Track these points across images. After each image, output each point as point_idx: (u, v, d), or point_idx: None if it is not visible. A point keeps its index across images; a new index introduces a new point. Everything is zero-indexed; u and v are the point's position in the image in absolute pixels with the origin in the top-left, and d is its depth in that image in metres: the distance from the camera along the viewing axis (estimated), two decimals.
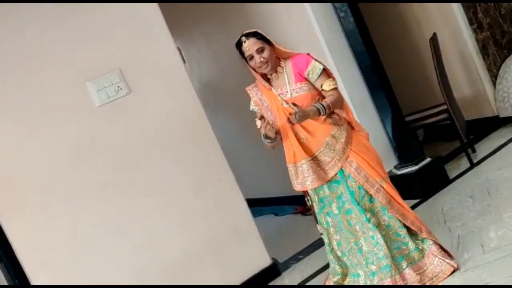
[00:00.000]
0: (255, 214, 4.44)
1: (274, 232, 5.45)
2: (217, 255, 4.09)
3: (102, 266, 3.74)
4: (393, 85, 5.12)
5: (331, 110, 3.29)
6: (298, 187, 3.46)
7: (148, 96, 4.00)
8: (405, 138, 5.06)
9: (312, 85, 3.37)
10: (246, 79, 3.54)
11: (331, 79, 3.37)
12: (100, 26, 3.91)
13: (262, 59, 3.30)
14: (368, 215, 3.36)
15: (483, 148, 5.43)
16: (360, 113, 5.11)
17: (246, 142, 5.97)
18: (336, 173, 3.38)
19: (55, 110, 3.72)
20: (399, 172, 5.05)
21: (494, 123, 5.76)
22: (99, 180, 3.79)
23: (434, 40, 5.25)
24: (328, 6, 5.04)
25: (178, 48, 4.37)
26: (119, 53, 3.94)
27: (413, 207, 4.76)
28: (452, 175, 5.06)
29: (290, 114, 3.15)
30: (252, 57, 3.31)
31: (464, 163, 5.20)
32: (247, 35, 3.33)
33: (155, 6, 4.07)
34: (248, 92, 3.51)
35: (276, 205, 6.16)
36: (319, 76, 3.33)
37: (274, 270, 4.30)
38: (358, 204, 3.36)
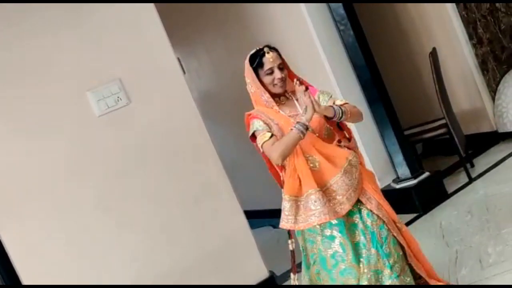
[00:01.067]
0: (252, 226, 4.42)
1: (271, 244, 5.44)
2: (214, 267, 4.07)
3: (97, 276, 3.72)
4: (392, 99, 5.13)
5: (348, 117, 2.92)
6: (295, 225, 2.89)
7: (148, 106, 3.99)
8: (404, 152, 5.05)
9: (321, 115, 2.95)
10: (245, 91, 3.40)
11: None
12: (101, 36, 3.91)
13: (282, 75, 2.96)
14: (391, 261, 2.93)
15: (481, 163, 5.44)
16: (359, 126, 5.11)
17: (244, 154, 5.96)
18: (353, 212, 2.94)
19: (55, 119, 3.71)
20: (397, 186, 5.05)
21: (493, 138, 5.77)
22: (97, 189, 3.78)
23: (433, 54, 5.26)
24: (329, 19, 5.05)
25: (178, 59, 4.38)
26: (119, 63, 3.94)
27: (411, 221, 4.77)
28: (450, 189, 5.06)
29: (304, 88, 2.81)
30: (271, 72, 2.95)
31: (463, 178, 5.20)
32: (270, 47, 3.04)
33: (156, 17, 4.08)
34: (253, 113, 3.03)
35: (274, 217, 6.13)
36: (329, 99, 3.05)
37: (271, 282, 4.29)
38: (381, 246, 2.92)
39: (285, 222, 2.90)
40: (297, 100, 3.00)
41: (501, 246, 3.71)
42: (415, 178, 4.99)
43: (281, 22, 5.36)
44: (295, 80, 2.93)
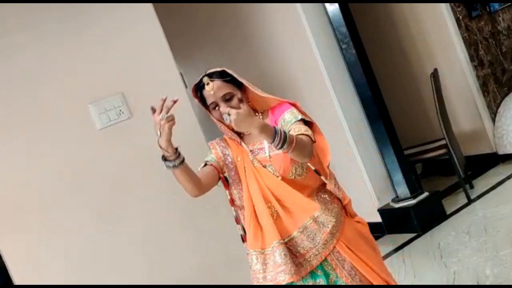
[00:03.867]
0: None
1: None
2: (211, 281, 4.06)
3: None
4: (393, 118, 5.15)
5: (292, 146, 2.24)
6: (264, 282, 2.45)
7: (149, 120, 3.93)
8: (404, 171, 5.06)
9: None
10: None
11: (307, 128, 2.46)
12: (104, 50, 3.93)
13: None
14: None
15: (480, 184, 5.44)
16: (359, 144, 5.13)
17: None
18: (317, 274, 2.45)
19: (56, 131, 3.72)
20: (396, 206, 5.06)
21: (492, 160, 5.78)
22: (96, 202, 3.78)
23: (435, 75, 5.29)
24: (331, 38, 5.08)
25: (181, 74, 4.40)
26: (122, 77, 3.96)
27: (409, 241, 4.77)
28: (449, 210, 5.07)
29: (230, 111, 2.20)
30: (216, 106, 2.48)
31: (462, 199, 5.21)
32: (211, 75, 2.48)
33: (160, 32, 4.10)
34: (210, 145, 2.66)
35: None
36: (292, 124, 2.46)
37: None
38: None
39: (255, 281, 2.49)
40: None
41: (498, 268, 3.71)
42: (414, 198, 5.00)
43: (283, 40, 5.39)
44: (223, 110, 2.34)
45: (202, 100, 2.56)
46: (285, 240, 2.43)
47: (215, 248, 4.10)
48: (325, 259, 2.46)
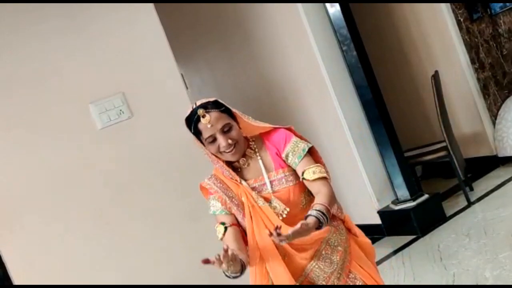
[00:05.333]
0: None
1: None
2: (210, 283, 4.06)
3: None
4: (393, 120, 5.15)
5: (330, 215, 2.19)
6: None
7: (149, 121, 4.01)
8: (404, 173, 5.06)
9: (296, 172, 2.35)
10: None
11: (318, 164, 2.33)
12: (105, 50, 3.93)
13: (230, 142, 2.25)
14: None
15: (480, 187, 5.44)
16: (359, 147, 5.13)
17: None
18: None
19: (56, 131, 3.73)
20: (396, 208, 5.06)
21: (492, 163, 5.77)
22: (96, 202, 3.78)
23: (435, 77, 5.28)
24: (332, 40, 5.08)
25: (182, 75, 4.40)
26: (123, 77, 3.96)
27: (409, 243, 4.76)
28: (449, 212, 5.06)
29: (276, 230, 1.98)
30: (214, 140, 2.28)
31: (462, 201, 5.20)
32: (206, 107, 2.27)
33: (161, 33, 4.10)
34: (206, 187, 2.42)
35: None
36: (301, 159, 2.31)
37: None
38: None
39: None
40: (261, 158, 2.36)
41: (498, 270, 3.71)
42: (414, 200, 5.00)
43: (284, 41, 5.39)
44: (269, 232, 2.03)
45: (195, 133, 2.36)
46: (303, 278, 2.30)
47: (215, 248, 4.10)
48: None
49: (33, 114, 3.68)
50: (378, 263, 4.46)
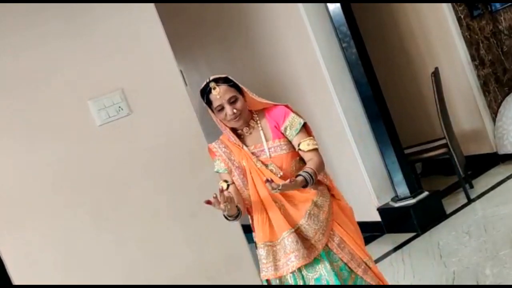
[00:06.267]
0: (250, 240, 4.41)
1: None
2: (210, 281, 4.06)
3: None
4: (393, 117, 5.14)
5: (318, 177, 2.70)
6: (276, 272, 2.73)
7: (149, 117, 3.99)
8: (404, 170, 5.05)
9: (290, 143, 2.81)
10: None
11: (311, 137, 2.81)
12: (104, 46, 3.92)
13: (235, 111, 2.72)
14: None
15: (481, 184, 5.43)
16: (359, 144, 5.12)
17: None
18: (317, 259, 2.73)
19: (55, 128, 3.71)
20: (396, 205, 5.05)
21: (492, 160, 5.77)
22: (95, 199, 3.77)
23: (436, 74, 5.27)
24: (332, 37, 5.07)
25: (181, 71, 4.39)
26: (121, 74, 3.95)
27: (409, 241, 4.76)
28: (449, 210, 5.06)
29: (268, 181, 2.47)
30: (222, 108, 2.73)
31: (462, 199, 5.20)
32: (217, 81, 2.75)
33: (160, 29, 4.09)
34: (213, 149, 2.90)
35: None
36: (298, 132, 2.79)
37: None
38: None
39: (265, 272, 2.76)
40: (262, 128, 2.82)
41: (498, 268, 3.70)
42: (414, 197, 4.99)
43: (284, 38, 5.38)
44: (264, 180, 2.55)
45: (208, 104, 2.80)
46: (295, 228, 2.70)
47: (214, 247, 4.10)
48: None
49: (31, 111, 3.67)
50: (378, 260, 4.46)
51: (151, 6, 4.08)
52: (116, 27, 3.96)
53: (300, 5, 5.03)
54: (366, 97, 5.06)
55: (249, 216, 2.87)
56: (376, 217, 5.16)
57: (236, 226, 4.17)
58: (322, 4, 5.05)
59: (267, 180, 2.47)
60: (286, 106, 2.86)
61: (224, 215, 2.63)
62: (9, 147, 3.59)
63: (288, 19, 5.23)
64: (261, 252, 2.76)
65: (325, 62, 5.06)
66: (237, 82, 2.79)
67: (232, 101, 2.73)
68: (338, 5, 4.93)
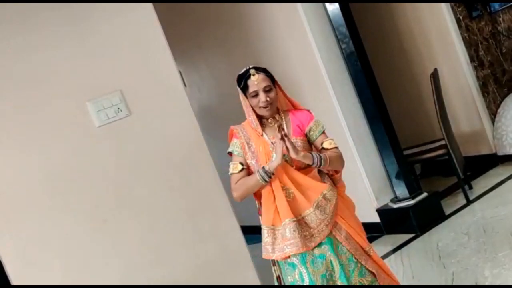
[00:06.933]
0: (249, 241, 4.41)
1: (267, 260, 5.41)
2: (209, 281, 4.05)
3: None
4: (392, 118, 5.14)
5: (327, 165, 2.89)
6: (273, 255, 2.94)
7: (148, 118, 3.99)
8: (403, 171, 5.05)
9: (307, 143, 3.03)
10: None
11: (332, 138, 3.06)
12: (103, 47, 3.91)
13: (268, 99, 2.92)
14: None
15: (480, 185, 5.43)
16: (358, 145, 5.12)
17: None
18: (323, 242, 2.91)
19: (54, 129, 3.71)
20: (395, 206, 5.05)
21: (491, 161, 5.77)
22: (94, 200, 3.77)
23: (435, 75, 5.27)
24: (331, 37, 5.07)
25: (180, 72, 4.38)
26: (121, 75, 3.94)
27: (408, 242, 4.76)
28: (448, 211, 5.06)
29: (282, 130, 2.81)
30: (256, 94, 2.94)
31: (461, 200, 5.20)
32: (257, 69, 2.98)
33: (159, 30, 4.08)
34: (234, 131, 3.09)
35: None
36: (321, 133, 3.04)
37: None
38: (347, 280, 2.90)
39: (265, 252, 2.98)
40: (285, 123, 3.03)
41: (497, 269, 3.70)
42: (413, 198, 4.99)
43: (283, 39, 5.38)
44: (273, 121, 2.99)
45: (242, 89, 3.00)
46: (300, 217, 2.90)
47: (213, 247, 4.09)
48: None
49: (30, 112, 3.66)
50: None
51: (150, 7, 4.08)
52: (115, 29, 3.96)
53: (299, 6, 5.03)
54: (365, 98, 5.06)
55: (257, 202, 3.09)
56: (375, 218, 5.16)
57: (235, 227, 4.17)
58: (321, 5, 5.05)
59: (282, 129, 2.83)
60: (308, 111, 3.12)
61: (265, 172, 2.86)
62: (8, 148, 3.59)
63: (287, 20, 5.23)
64: (264, 233, 2.97)
65: (324, 63, 5.06)
66: (274, 77, 3.01)
67: (267, 90, 2.93)
68: (337, 6, 4.93)
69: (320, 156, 2.86)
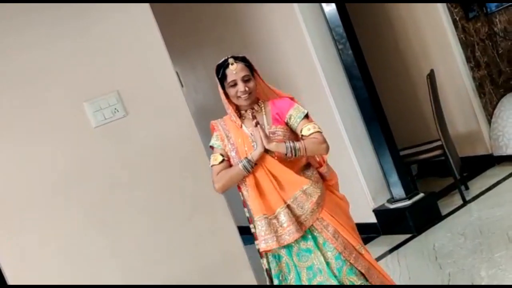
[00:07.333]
0: (246, 242, 4.41)
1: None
2: (207, 282, 4.05)
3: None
4: (389, 119, 5.15)
5: (302, 154, 2.84)
6: (278, 243, 2.85)
7: (145, 119, 3.99)
8: (399, 172, 5.06)
9: (289, 132, 2.95)
10: None
11: (312, 123, 2.96)
12: (100, 48, 3.91)
13: (246, 89, 2.88)
14: None
15: (476, 186, 5.44)
16: (355, 145, 5.13)
17: None
18: (308, 238, 2.88)
19: (51, 129, 3.70)
20: (391, 206, 5.05)
21: (488, 162, 5.77)
22: (91, 201, 3.76)
23: (431, 76, 5.28)
24: (328, 39, 5.07)
25: (177, 73, 4.38)
26: (118, 75, 3.94)
27: (404, 242, 4.76)
28: (444, 211, 5.06)
29: (256, 122, 2.79)
30: (235, 84, 2.90)
31: (457, 200, 5.20)
32: (236, 58, 2.94)
33: (156, 30, 4.08)
34: (214, 125, 3.09)
35: None
36: (301, 120, 2.93)
37: None
38: (336, 277, 2.84)
39: (264, 243, 2.88)
40: (265, 114, 2.98)
41: (493, 270, 3.70)
42: (409, 199, 4.99)
43: (280, 40, 5.38)
44: (249, 112, 2.96)
45: (220, 79, 2.97)
46: (273, 216, 2.86)
47: (210, 248, 4.09)
48: (313, 225, 2.88)
49: (27, 113, 3.66)
50: None
51: (147, 7, 4.08)
52: (112, 29, 3.96)
53: (296, 6, 5.03)
54: (362, 98, 5.06)
55: (240, 193, 3.06)
56: (372, 219, 5.16)
57: (232, 228, 4.18)
58: (318, 6, 5.05)
59: (254, 117, 2.82)
60: (291, 98, 3.04)
61: (248, 161, 2.84)
62: (4, 149, 3.58)
63: (284, 20, 5.23)
64: (260, 224, 2.86)
65: (321, 63, 5.06)
66: (254, 66, 2.99)
67: (246, 80, 2.90)
68: (333, 7, 4.93)
69: (294, 145, 2.82)
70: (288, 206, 2.85)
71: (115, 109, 3.86)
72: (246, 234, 4.50)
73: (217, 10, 5.86)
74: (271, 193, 2.87)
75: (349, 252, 2.88)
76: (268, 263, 3.00)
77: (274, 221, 2.86)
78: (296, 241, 2.87)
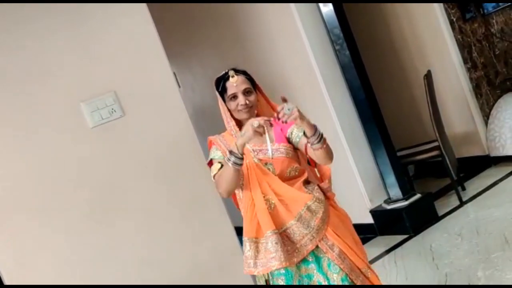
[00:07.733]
0: (242, 242, 4.41)
1: None
2: (202, 282, 4.05)
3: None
4: (386, 120, 5.15)
5: (324, 144, 2.65)
6: (255, 270, 2.73)
7: (142, 119, 3.99)
8: (396, 173, 5.06)
9: (292, 150, 2.81)
10: None
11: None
12: (97, 48, 3.90)
13: (247, 102, 2.75)
14: None
15: (473, 186, 5.45)
16: (352, 146, 5.13)
17: None
18: (310, 261, 2.72)
19: (48, 130, 3.70)
20: (388, 207, 5.06)
21: (484, 162, 5.79)
22: (88, 201, 3.76)
23: (428, 77, 5.29)
24: (325, 39, 5.08)
25: (174, 73, 4.38)
26: (115, 76, 3.93)
27: (401, 243, 4.77)
28: (441, 212, 5.07)
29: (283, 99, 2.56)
30: (235, 97, 2.77)
31: (454, 201, 5.21)
32: (236, 71, 2.82)
33: (153, 31, 4.08)
34: (213, 141, 2.88)
35: None
36: (303, 135, 2.76)
37: None
38: None
39: (246, 266, 2.76)
40: (267, 131, 2.72)
41: (490, 270, 3.71)
42: (406, 199, 5.00)
43: (277, 40, 5.38)
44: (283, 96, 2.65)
45: (221, 93, 2.85)
46: (282, 230, 2.70)
47: (207, 248, 4.09)
48: (317, 246, 2.72)
49: (23, 113, 3.65)
50: (371, 262, 4.45)
51: (144, 7, 4.07)
52: (109, 29, 3.95)
53: (293, 7, 5.03)
54: (359, 99, 5.07)
55: (236, 205, 2.97)
56: (369, 219, 5.16)
57: (228, 228, 4.17)
58: (315, 6, 5.05)
59: (284, 98, 2.57)
60: None
61: (231, 153, 2.61)
62: (1, 148, 3.58)
63: (281, 21, 5.23)
64: (246, 246, 2.76)
65: (318, 64, 5.07)
66: (255, 80, 2.87)
67: (247, 92, 2.78)
68: (331, 7, 4.93)
69: (321, 134, 2.65)
70: (283, 232, 2.70)
71: (112, 109, 3.85)
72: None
73: (214, 10, 5.87)
74: (265, 216, 2.70)
75: (355, 275, 2.73)
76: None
77: (262, 245, 2.71)
78: (297, 266, 2.72)
